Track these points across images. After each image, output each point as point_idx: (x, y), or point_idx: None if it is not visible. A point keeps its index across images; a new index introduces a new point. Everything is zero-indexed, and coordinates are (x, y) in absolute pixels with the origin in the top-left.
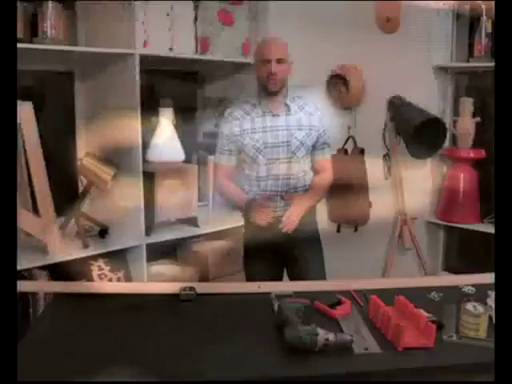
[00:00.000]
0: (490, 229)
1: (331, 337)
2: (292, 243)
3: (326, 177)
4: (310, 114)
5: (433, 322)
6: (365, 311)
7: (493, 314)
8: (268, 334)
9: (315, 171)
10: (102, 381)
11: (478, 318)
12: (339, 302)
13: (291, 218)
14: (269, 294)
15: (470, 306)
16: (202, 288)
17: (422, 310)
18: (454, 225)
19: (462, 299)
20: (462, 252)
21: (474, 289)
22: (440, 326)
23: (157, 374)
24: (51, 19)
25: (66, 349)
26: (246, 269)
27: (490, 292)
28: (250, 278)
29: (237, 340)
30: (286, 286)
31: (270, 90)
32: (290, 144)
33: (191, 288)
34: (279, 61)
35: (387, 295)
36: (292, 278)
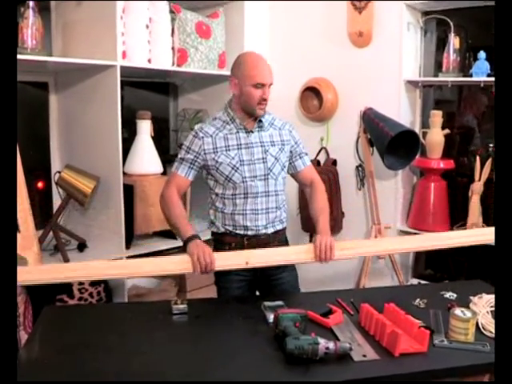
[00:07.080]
0: None
1: (331, 345)
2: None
3: (319, 189)
4: (279, 129)
5: (425, 327)
6: (355, 319)
7: (479, 318)
8: (266, 344)
9: (302, 185)
10: (102, 381)
11: (467, 323)
12: (330, 311)
13: (329, 245)
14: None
15: (458, 312)
16: None
17: (410, 317)
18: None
19: (446, 305)
20: (433, 259)
21: (455, 295)
22: (431, 332)
23: None
24: (32, 29)
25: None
26: (219, 291)
27: (471, 297)
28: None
29: (235, 351)
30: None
31: (258, 114)
32: (266, 161)
33: (183, 301)
34: (270, 85)
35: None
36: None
